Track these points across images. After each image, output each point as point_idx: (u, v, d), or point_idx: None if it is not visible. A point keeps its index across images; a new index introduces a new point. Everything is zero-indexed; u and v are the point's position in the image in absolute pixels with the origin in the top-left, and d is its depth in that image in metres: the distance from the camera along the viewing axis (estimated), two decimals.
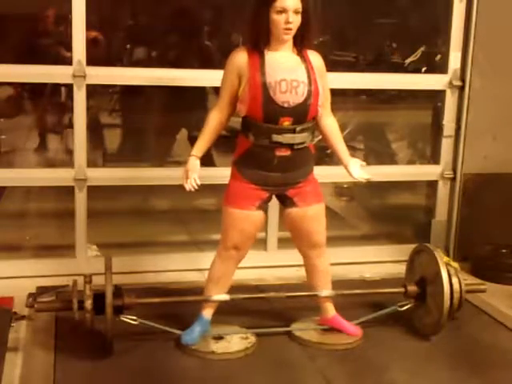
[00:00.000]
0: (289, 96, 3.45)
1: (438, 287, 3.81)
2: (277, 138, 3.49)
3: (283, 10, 3.38)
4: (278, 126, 3.48)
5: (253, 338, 3.79)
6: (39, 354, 3.63)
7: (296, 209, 3.68)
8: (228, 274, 3.73)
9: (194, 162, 3.59)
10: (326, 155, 5.02)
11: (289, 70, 3.48)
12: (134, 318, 3.62)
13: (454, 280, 3.81)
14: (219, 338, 3.78)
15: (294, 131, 3.51)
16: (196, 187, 3.57)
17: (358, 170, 3.70)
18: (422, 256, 4.03)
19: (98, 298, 3.49)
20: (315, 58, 3.60)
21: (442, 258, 3.87)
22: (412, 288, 3.96)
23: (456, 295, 3.80)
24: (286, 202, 3.70)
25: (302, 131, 3.53)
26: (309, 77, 3.51)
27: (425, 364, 3.70)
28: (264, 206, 3.70)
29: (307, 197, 3.67)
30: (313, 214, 3.70)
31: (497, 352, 3.88)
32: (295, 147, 3.54)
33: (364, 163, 3.72)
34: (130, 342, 3.70)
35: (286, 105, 3.46)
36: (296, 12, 3.40)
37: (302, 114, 3.51)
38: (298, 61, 3.53)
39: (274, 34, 3.46)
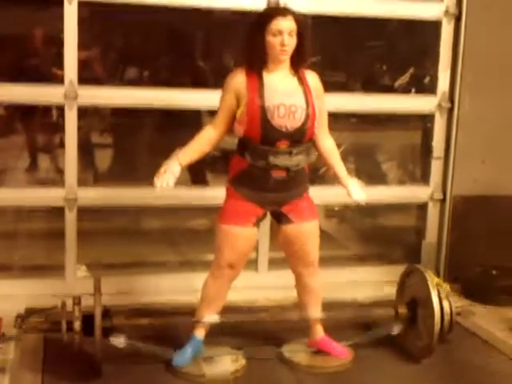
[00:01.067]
0: (286, 121, 3.48)
1: (428, 310, 3.81)
2: (274, 160, 3.51)
3: (278, 32, 3.42)
4: (275, 148, 3.50)
5: (243, 360, 3.78)
6: (27, 375, 3.60)
7: (291, 225, 3.68)
8: (221, 293, 3.72)
9: (174, 165, 3.53)
10: (317, 176, 5.03)
11: (287, 94, 3.51)
12: (123, 339, 3.60)
13: (445, 303, 3.82)
14: (209, 359, 3.76)
15: (290, 154, 3.53)
16: (164, 188, 3.51)
17: (357, 192, 3.74)
18: (413, 277, 4.03)
19: (87, 319, 3.47)
20: (312, 78, 3.63)
21: (432, 280, 3.88)
22: (402, 311, 3.95)
23: (446, 318, 3.81)
24: (281, 219, 3.71)
25: (298, 154, 3.55)
26: (306, 100, 3.53)
27: None
28: (258, 224, 3.71)
29: (302, 212, 3.69)
30: (308, 230, 3.71)
31: (487, 374, 3.87)
32: (291, 169, 3.56)
33: (362, 184, 3.75)
34: (120, 365, 3.67)
35: (283, 129, 3.49)
36: (291, 34, 3.45)
37: (299, 137, 3.54)
38: (295, 83, 3.56)
39: (270, 56, 3.50)
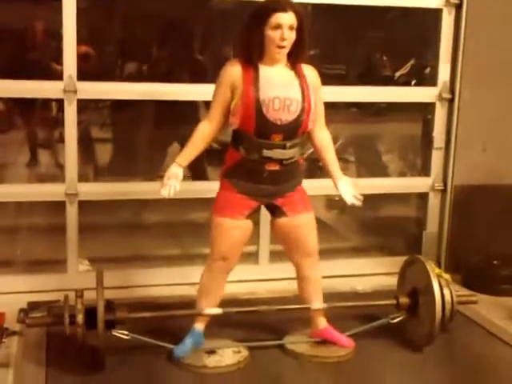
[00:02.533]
0: (281, 113, 3.47)
1: (429, 298, 3.81)
2: (267, 153, 3.50)
3: (278, 26, 3.40)
4: (269, 141, 3.49)
5: (245, 352, 3.79)
6: (31, 369, 3.60)
7: (285, 218, 3.68)
8: (218, 285, 3.72)
9: (175, 170, 3.57)
10: (317, 168, 5.03)
11: (282, 87, 3.49)
12: (126, 332, 3.61)
13: (446, 291, 3.82)
14: (211, 351, 3.77)
15: (284, 147, 3.52)
16: (172, 195, 3.55)
17: (348, 192, 3.72)
18: (414, 267, 4.04)
19: (90, 312, 3.48)
20: (310, 72, 3.61)
21: (433, 270, 3.89)
22: (404, 300, 3.96)
23: (448, 306, 3.81)
24: (275, 211, 3.71)
25: (292, 147, 3.54)
26: (302, 93, 3.52)
27: (417, 375, 3.72)
28: (252, 216, 3.71)
29: (296, 205, 3.68)
30: (302, 222, 3.71)
31: (489, 363, 3.89)
32: (285, 162, 3.55)
33: (356, 180, 3.74)
34: (122, 357, 3.68)
35: (278, 122, 3.47)
36: (291, 28, 3.42)
37: (293, 130, 3.53)
38: (291, 76, 3.55)
39: (268, 49, 3.47)
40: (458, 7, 4.94)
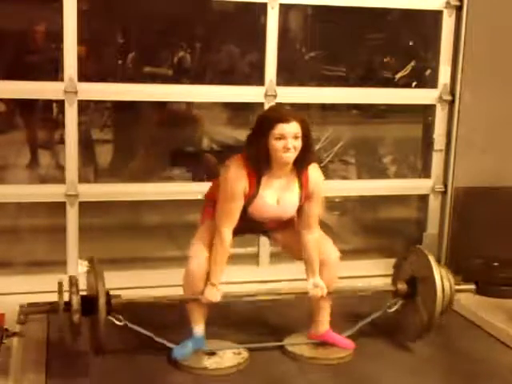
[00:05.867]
0: (268, 220, 3.69)
1: (429, 286, 3.79)
2: (245, 225, 3.66)
3: (282, 137, 3.40)
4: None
5: (245, 353, 3.78)
6: (30, 373, 3.58)
7: (276, 233, 3.86)
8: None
9: (214, 292, 3.61)
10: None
11: (277, 209, 3.62)
12: (121, 317, 3.59)
13: (446, 282, 3.81)
14: (211, 353, 3.77)
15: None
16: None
17: (312, 289, 3.76)
18: (412, 257, 4.00)
19: (87, 300, 3.47)
20: (313, 175, 3.62)
21: (433, 258, 3.87)
22: (402, 286, 3.94)
23: (446, 298, 3.81)
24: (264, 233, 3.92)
25: None
26: (297, 202, 3.63)
27: (417, 377, 3.70)
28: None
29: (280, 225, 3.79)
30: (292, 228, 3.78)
31: (488, 365, 3.87)
32: None
33: (323, 287, 3.76)
34: (122, 358, 3.68)
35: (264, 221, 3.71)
36: (295, 137, 3.43)
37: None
38: (292, 189, 3.60)
39: (274, 159, 3.48)
40: (459, 9, 4.95)
